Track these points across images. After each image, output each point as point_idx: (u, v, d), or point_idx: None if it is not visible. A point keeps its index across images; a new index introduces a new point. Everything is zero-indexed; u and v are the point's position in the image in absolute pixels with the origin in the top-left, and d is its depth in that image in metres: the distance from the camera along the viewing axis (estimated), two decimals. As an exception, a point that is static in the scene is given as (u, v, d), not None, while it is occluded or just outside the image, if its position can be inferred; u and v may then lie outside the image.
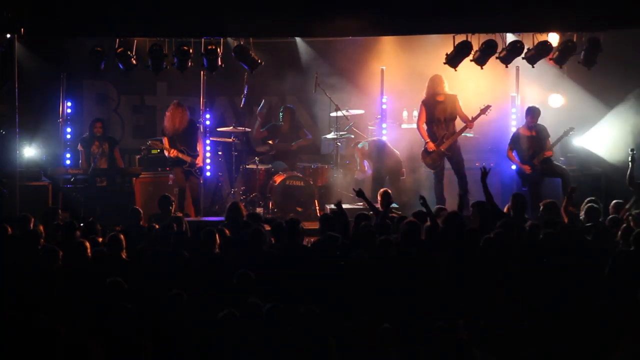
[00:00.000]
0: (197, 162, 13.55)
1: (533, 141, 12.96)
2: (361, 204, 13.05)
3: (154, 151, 14.32)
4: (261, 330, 7.13)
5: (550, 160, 12.96)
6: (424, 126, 13.22)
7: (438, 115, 13.12)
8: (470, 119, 13.01)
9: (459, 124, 13.20)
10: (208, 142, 14.21)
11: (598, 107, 14.17)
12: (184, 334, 7.21)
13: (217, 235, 8.95)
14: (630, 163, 11.63)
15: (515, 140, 13.11)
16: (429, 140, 13.16)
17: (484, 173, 10.35)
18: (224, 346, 7.01)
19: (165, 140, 13.50)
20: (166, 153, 13.56)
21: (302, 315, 7.07)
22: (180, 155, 13.44)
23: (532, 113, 12.97)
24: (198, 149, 13.65)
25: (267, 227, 10.09)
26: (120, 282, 7.87)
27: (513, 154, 13.11)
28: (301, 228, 9.48)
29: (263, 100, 14.85)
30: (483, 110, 13.03)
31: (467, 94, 13.65)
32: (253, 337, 7.06)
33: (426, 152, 13.24)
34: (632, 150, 11.78)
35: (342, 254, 8.74)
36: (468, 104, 13.29)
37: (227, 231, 9.37)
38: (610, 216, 10.25)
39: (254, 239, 8.92)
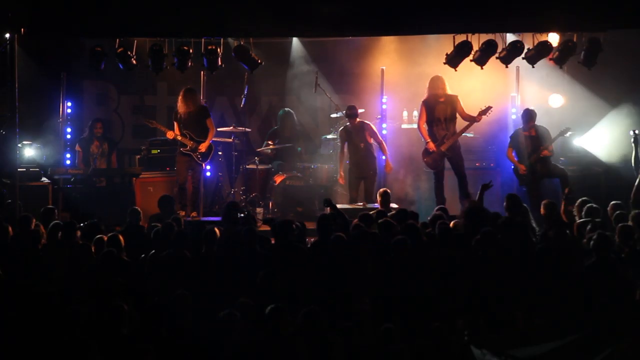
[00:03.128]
0: (200, 147, 13.26)
1: (532, 141, 12.96)
2: (361, 204, 13.08)
3: (154, 151, 14.31)
4: (262, 330, 7.14)
5: (548, 160, 12.96)
6: (425, 126, 13.22)
7: (438, 116, 13.11)
8: (477, 114, 12.99)
9: (459, 124, 13.18)
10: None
11: (598, 107, 14.17)
12: (186, 334, 7.21)
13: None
14: (634, 145, 11.65)
15: (515, 139, 13.12)
16: (429, 140, 13.15)
17: (486, 186, 10.46)
18: (225, 346, 7.02)
19: (175, 125, 13.28)
20: (166, 135, 13.43)
21: (304, 315, 7.07)
22: (179, 137, 13.22)
23: (529, 116, 12.99)
24: (209, 135, 13.33)
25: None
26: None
27: (512, 153, 13.12)
28: (300, 228, 9.53)
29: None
30: (484, 112, 13.02)
31: (467, 94, 13.64)
32: (254, 337, 7.07)
33: (426, 152, 13.23)
34: (634, 131, 11.78)
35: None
36: (468, 104, 13.28)
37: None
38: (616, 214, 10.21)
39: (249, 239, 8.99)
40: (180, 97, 13.31)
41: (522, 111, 13.27)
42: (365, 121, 13.57)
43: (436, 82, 13.14)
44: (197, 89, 13.70)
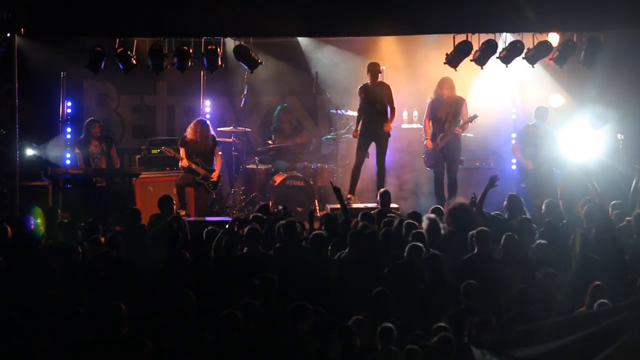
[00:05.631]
0: (212, 176, 13.30)
1: (539, 140, 13.03)
2: (361, 205, 13.07)
3: (153, 151, 14.30)
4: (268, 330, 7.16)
5: (552, 160, 12.98)
6: (429, 123, 13.23)
7: (440, 115, 13.13)
8: (461, 124, 12.99)
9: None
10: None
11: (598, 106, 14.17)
12: (186, 333, 7.22)
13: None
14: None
15: (524, 135, 13.21)
16: (428, 137, 13.19)
17: (492, 184, 10.33)
18: (226, 346, 7.02)
19: (182, 151, 13.31)
20: (180, 163, 13.43)
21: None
22: (193, 166, 13.21)
23: (545, 112, 13.09)
24: (216, 165, 13.42)
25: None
26: None
27: (518, 148, 13.18)
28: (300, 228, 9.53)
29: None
30: (470, 119, 13.04)
31: (467, 94, 13.66)
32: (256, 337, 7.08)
33: (425, 150, 13.30)
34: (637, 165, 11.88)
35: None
36: (468, 104, 13.29)
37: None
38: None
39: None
40: (193, 128, 13.30)
41: (536, 108, 13.31)
42: (386, 83, 13.20)
43: (443, 82, 13.11)
44: (194, 92, 13.66)
